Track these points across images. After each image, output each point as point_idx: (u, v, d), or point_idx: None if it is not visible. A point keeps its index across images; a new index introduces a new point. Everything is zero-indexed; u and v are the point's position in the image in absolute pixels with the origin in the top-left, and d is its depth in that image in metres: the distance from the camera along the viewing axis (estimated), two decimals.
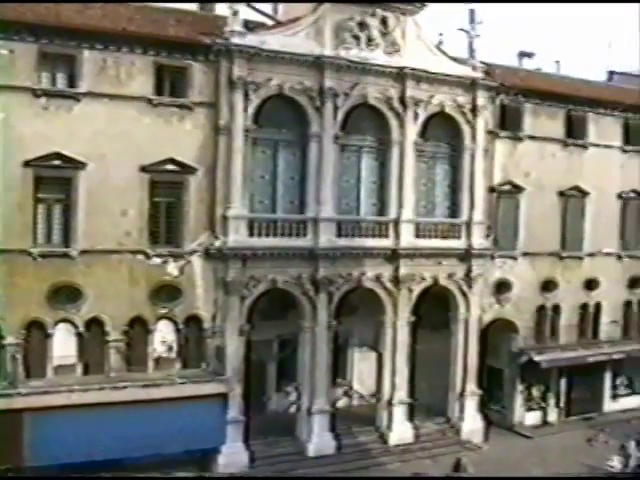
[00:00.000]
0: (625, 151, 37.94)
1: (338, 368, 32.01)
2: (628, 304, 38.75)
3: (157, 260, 26.87)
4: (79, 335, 25.97)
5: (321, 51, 28.86)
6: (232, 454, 27.76)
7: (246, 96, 27.57)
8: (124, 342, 26.39)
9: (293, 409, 30.91)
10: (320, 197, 29.30)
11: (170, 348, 27.34)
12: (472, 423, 32.96)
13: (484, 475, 28.75)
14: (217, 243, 27.47)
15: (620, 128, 37.79)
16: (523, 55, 41.93)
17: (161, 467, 26.40)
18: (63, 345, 25.69)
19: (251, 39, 27.47)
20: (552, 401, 36.54)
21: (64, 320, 25.70)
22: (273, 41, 27.97)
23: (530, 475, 29.69)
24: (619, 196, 37.80)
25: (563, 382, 36.83)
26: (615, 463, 30.18)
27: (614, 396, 38.87)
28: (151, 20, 26.76)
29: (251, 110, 27.78)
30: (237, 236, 27.67)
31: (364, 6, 29.66)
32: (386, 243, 30.82)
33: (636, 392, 39.75)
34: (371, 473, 29.11)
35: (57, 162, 25.08)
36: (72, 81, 25.52)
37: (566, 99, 35.86)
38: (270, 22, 31.93)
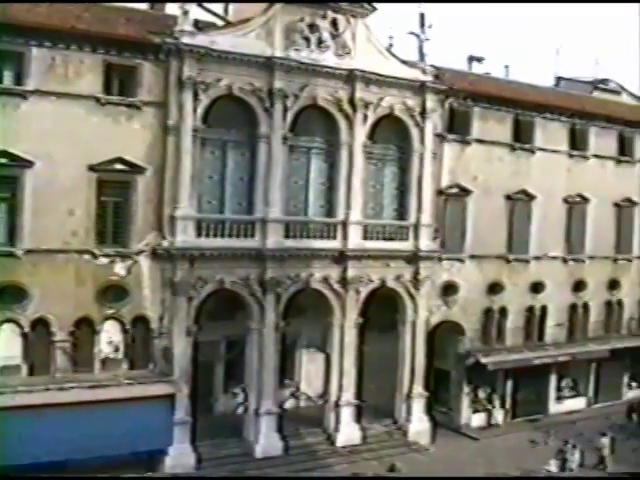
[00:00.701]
0: (571, 156, 40.25)
1: (286, 369, 33.29)
2: (573, 307, 41.09)
3: (104, 260, 27.84)
4: (24, 335, 26.78)
5: (271, 52, 30.14)
6: (179, 455, 28.81)
7: (195, 96, 28.72)
8: (70, 342, 27.25)
9: (240, 410, 31.96)
10: (268, 198, 30.57)
11: (117, 349, 28.28)
12: (419, 424, 34.57)
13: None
14: (165, 243, 28.57)
15: (567, 133, 40.07)
16: (473, 59, 44.00)
17: (107, 469, 27.11)
18: (8, 345, 26.41)
19: (201, 39, 28.63)
20: (498, 403, 38.49)
21: (9, 320, 26.49)
22: (223, 41, 29.14)
23: (476, 476, 31.35)
24: (565, 200, 40.05)
25: (509, 384, 38.82)
26: (552, 468, 31.86)
27: (559, 398, 41.13)
28: (101, 18, 27.67)
29: (200, 110, 28.93)
30: (185, 236, 28.78)
31: (315, 8, 31.05)
32: (334, 245, 32.20)
33: (580, 394, 42.12)
34: (318, 474, 30.36)
35: (3, 160, 25.84)
36: (20, 79, 26.33)
37: (514, 104, 37.84)
38: (220, 22, 33.09)
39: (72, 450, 26.01)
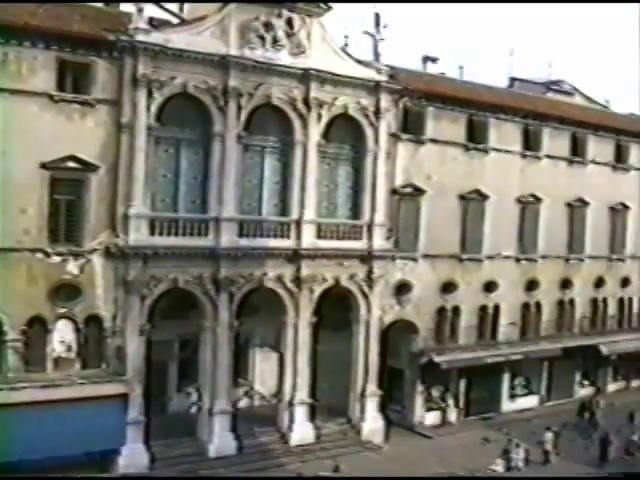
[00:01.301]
0: (524, 156, 42.01)
1: (239, 368, 34.32)
2: (526, 306, 42.87)
3: (57, 259, 28.56)
4: None
5: (226, 50, 31.13)
6: (132, 455, 29.63)
7: (149, 94, 29.61)
8: (22, 342, 27.90)
9: (194, 410, 32.94)
10: (222, 197, 31.55)
11: (69, 348, 29.01)
12: (373, 423, 35.88)
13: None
14: (118, 242, 29.38)
15: (520, 134, 41.79)
16: (427, 60, 45.54)
17: (59, 469, 27.71)
18: None
19: (156, 37, 29.51)
20: (451, 401, 40.04)
21: None
22: (178, 39, 30.08)
23: (431, 474, 32.50)
24: (518, 200, 41.78)
25: (462, 382, 40.40)
26: (498, 467, 33.14)
27: (512, 396, 42.93)
28: (54, 15, 28.27)
29: (154, 108, 29.83)
30: (138, 235, 29.65)
31: (270, 7, 32.12)
32: (288, 244, 33.29)
33: (533, 392, 43.96)
34: (271, 474, 31.41)
35: None
36: None
37: (468, 104, 39.42)
38: (176, 20, 33.92)
39: (24, 451, 26.48)
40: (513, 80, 52.80)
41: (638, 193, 48.36)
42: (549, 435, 35.44)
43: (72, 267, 28.86)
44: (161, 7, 34.32)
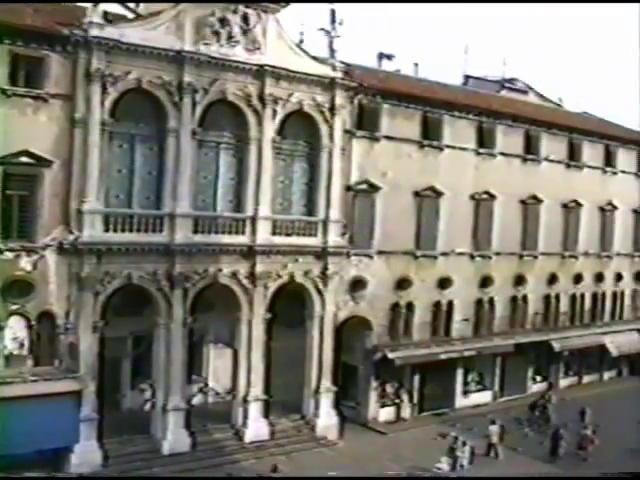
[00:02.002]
0: (479, 153, 43.27)
1: (193, 365, 34.92)
2: (479, 302, 44.20)
3: (9, 255, 28.87)
4: None
5: (181, 46, 31.67)
6: (85, 453, 30.10)
7: (104, 89, 30.07)
8: None
9: (148, 407, 33.49)
10: (177, 193, 32.12)
11: (22, 345, 29.34)
12: (327, 419, 36.76)
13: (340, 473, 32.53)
14: (71, 238, 29.82)
15: (474, 131, 43.04)
16: (383, 57, 46.60)
17: (11, 468, 28.00)
18: None
19: (110, 31, 29.95)
20: (405, 397, 41.10)
21: None
22: (133, 34, 30.55)
23: (386, 470, 33.36)
24: (472, 197, 43.03)
25: (416, 379, 41.49)
26: (443, 465, 34.02)
27: (465, 392, 44.23)
28: (7, 8, 28.46)
29: (108, 103, 30.29)
30: (92, 231, 30.12)
31: (226, 2, 32.68)
32: (242, 240, 33.97)
33: (486, 388, 45.33)
34: (226, 470, 31.88)
35: None
36: None
37: (423, 101, 40.50)
38: (131, 15, 34.35)
39: None
40: (467, 78, 54.24)
41: (591, 191, 50.03)
42: (494, 428, 36.59)
43: (25, 263, 29.18)
44: (116, 1, 34.57)
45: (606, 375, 53.37)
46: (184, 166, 32.23)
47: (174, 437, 32.43)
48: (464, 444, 34.70)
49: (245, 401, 34.69)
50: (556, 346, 47.35)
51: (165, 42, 31.33)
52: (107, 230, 30.57)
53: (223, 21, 32.82)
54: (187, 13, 31.92)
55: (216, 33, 32.65)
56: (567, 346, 48.20)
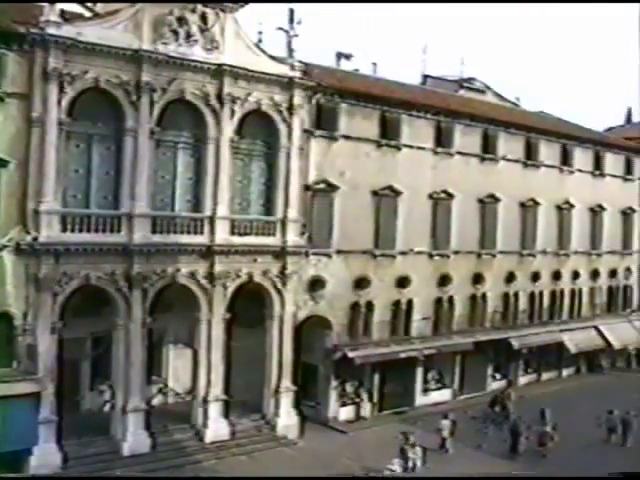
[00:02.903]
0: (437, 153, 44.42)
1: (153, 365, 35.43)
2: (438, 301, 45.33)
3: None
4: None
5: (139, 45, 32.21)
6: (44, 455, 30.39)
7: (61, 88, 30.46)
8: None
9: (107, 408, 33.98)
10: (135, 192, 32.60)
11: None
12: (287, 419, 37.47)
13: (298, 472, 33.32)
14: (29, 238, 30.14)
15: (432, 130, 44.17)
16: (341, 56, 47.55)
17: None
18: None
19: (67, 30, 30.36)
20: (365, 396, 42.00)
21: None
22: (90, 33, 31.01)
23: (346, 469, 34.09)
24: (430, 196, 44.12)
25: (376, 377, 42.42)
26: (395, 467, 34.39)
27: (425, 390, 45.26)
28: None
29: (65, 103, 30.69)
30: (49, 231, 30.47)
31: (184, 1, 33.33)
32: (201, 240, 34.55)
33: (446, 386, 46.45)
34: (186, 471, 32.51)
35: None
36: None
37: (381, 101, 41.51)
38: (88, 13, 34.67)
39: None
40: (426, 77, 55.44)
41: (548, 189, 51.48)
42: (445, 422, 37.75)
43: None
44: (76, 0, 34.93)
45: (565, 372, 54.96)
46: (142, 166, 32.68)
47: (134, 438, 32.86)
48: (414, 445, 35.20)
49: (205, 401, 35.20)
50: (515, 344, 48.65)
51: (123, 41, 31.81)
52: (64, 230, 30.89)
53: (181, 20, 33.41)
54: (145, 12, 32.44)
55: (174, 32, 33.22)
56: (526, 344, 49.59)
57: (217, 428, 35.28)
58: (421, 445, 35.49)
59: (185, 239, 34.11)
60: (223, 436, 35.36)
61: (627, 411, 40.59)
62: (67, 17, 31.19)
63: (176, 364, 37.80)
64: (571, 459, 35.99)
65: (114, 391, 33.41)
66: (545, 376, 53.40)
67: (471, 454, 36.87)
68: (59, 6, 30.43)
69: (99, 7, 34.66)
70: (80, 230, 31.31)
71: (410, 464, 34.56)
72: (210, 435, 35.02)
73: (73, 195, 31.95)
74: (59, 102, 30.48)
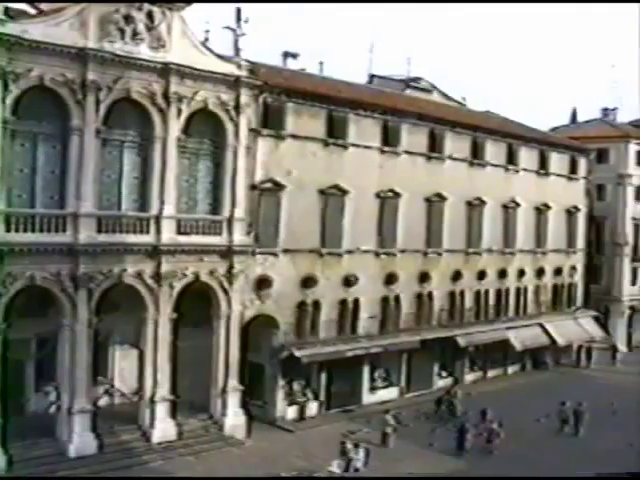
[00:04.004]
0: (383, 152, 45.55)
1: (99, 366, 35.69)
2: (385, 299, 46.51)
3: None
4: None
5: (84, 43, 32.57)
6: None
7: (5, 86, 30.64)
8: None
9: (53, 409, 34.28)
10: (81, 192, 32.98)
11: None
12: (234, 419, 38.18)
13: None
14: None
15: (379, 129, 45.31)
16: (288, 55, 48.36)
17: None
18: None
19: (11, 27, 30.50)
20: (313, 395, 43.06)
21: None
22: (35, 31, 31.27)
23: (293, 469, 34.87)
24: (377, 195, 45.23)
25: (323, 376, 43.43)
26: (334, 468, 34.62)
27: (372, 388, 46.43)
28: None
29: (10, 101, 30.86)
30: None
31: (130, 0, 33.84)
32: (147, 239, 35.06)
33: (393, 384, 47.67)
34: (134, 472, 33.00)
35: None
36: None
37: (328, 100, 42.51)
38: (33, 11, 34.87)
39: None
40: (372, 77, 56.59)
41: (494, 188, 53.00)
42: (387, 418, 39.00)
43: None
44: None
45: (510, 369, 56.70)
46: (88, 165, 33.05)
47: (80, 440, 33.23)
48: (357, 446, 35.95)
49: (152, 402, 35.69)
50: (461, 342, 50.10)
51: (68, 39, 32.14)
52: (9, 230, 31.13)
53: (128, 18, 33.87)
54: (91, 10, 32.79)
55: (120, 30, 33.67)
56: (472, 341, 51.12)
57: (164, 428, 35.80)
58: (365, 445, 36.45)
59: (131, 239, 34.55)
60: (170, 436, 35.90)
61: (579, 403, 42.87)
62: (11, 15, 31.32)
63: (122, 365, 38.16)
64: (518, 454, 37.46)
65: (60, 392, 33.68)
66: (491, 373, 55.01)
67: (418, 452, 37.91)
68: (3, 3, 30.60)
69: (44, 5, 34.89)
70: (25, 230, 31.59)
71: (352, 466, 35.13)
72: (157, 436, 35.52)
73: (18, 195, 32.15)
74: (3, 100, 30.62)
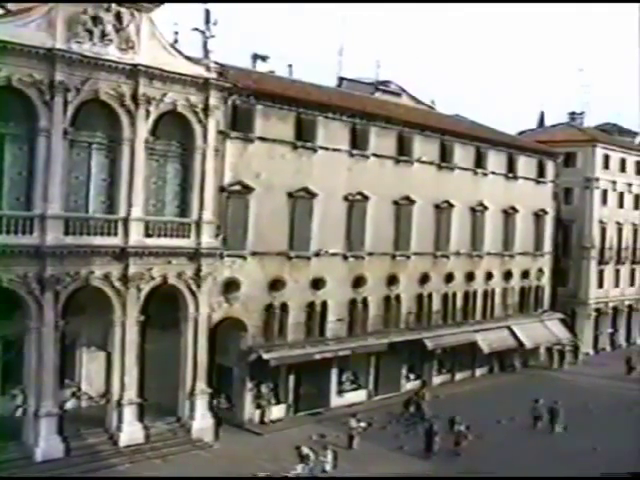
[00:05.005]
0: (352, 155, 46.08)
1: (66, 369, 35.93)
2: (353, 302, 47.03)
3: None
4: None
5: (52, 44, 32.74)
6: None
7: None
8: None
9: (19, 413, 34.37)
10: (48, 194, 33.13)
11: None
12: (202, 422, 38.48)
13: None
14: None
15: (348, 132, 45.85)
16: (257, 58, 48.76)
17: None
18: None
19: None
20: (281, 398, 43.42)
21: None
22: (2, 31, 31.25)
23: (260, 472, 35.20)
24: (345, 198, 45.77)
25: (291, 379, 43.83)
26: (299, 470, 34.78)
27: (340, 391, 46.94)
28: None
29: None
30: None
31: (98, 1, 34.03)
32: (115, 241, 35.25)
33: (361, 387, 48.20)
34: (101, 475, 33.21)
35: None
36: None
37: (297, 102, 42.94)
38: (0, 11, 34.81)
39: None
40: (342, 80, 57.18)
41: (462, 192, 53.76)
42: (352, 422, 39.59)
43: None
44: None
45: (478, 372, 57.54)
46: (55, 167, 33.23)
47: (47, 443, 33.36)
48: (325, 448, 36.51)
49: (119, 405, 35.88)
50: (429, 344, 50.77)
51: (36, 39, 32.29)
52: None
53: (96, 19, 34.08)
54: (59, 10, 32.98)
55: (89, 31, 33.88)
56: (440, 344, 51.76)
57: (131, 432, 36.00)
58: (332, 448, 36.89)
59: (99, 241, 34.73)
60: (137, 440, 36.12)
61: (555, 401, 44.27)
62: None
63: (90, 367, 38.40)
64: (483, 457, 38.10)
65: (26, 395, 33.79)
66: (459, 376, 55.75)
67: (386, 454, 38.43)
68: None
69: (12, 5, 34.96)
70: None
71: (318, 469, 35.42)
72: (124, 439, 35.71)
73: None
74: None
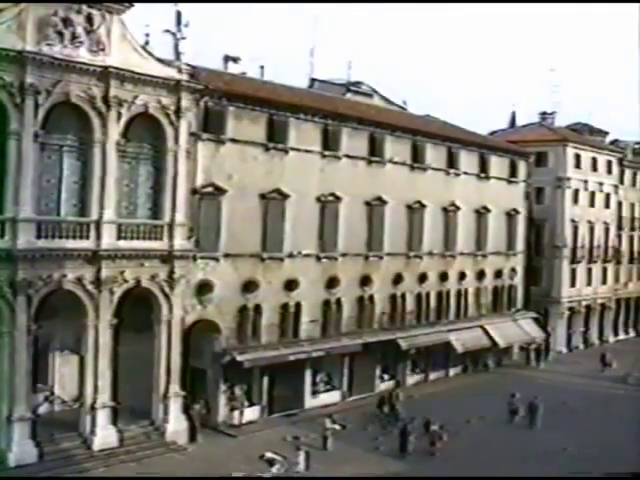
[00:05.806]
0: (324, 156, 46.50)
1: (39, 373, 35.93)
2: (327, 303, 47.44)
3: None
4: None
5: (22, 46, 32.80)
6: None
7: None
8: None
9: None
10: (19, 197, 33.18)
11: None
12: (176, 424, 38.66)
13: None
14: None
15: (320, 133, 46.24)
16: (229, 59, 49.01)
17: None
18: None
19: None
20: (255, 399, 43.67)
21: None
22: None
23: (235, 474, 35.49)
24: (318, 199, 46.16)
25: (265, 380, 44.10)
26: (274, 471, 35.55)
27: (314, 392, 47.28)
28: None
29: None
30: None
31: (69, 2, 34.13)
32: (87, 244, 35.37)
33: (335, 388, 48.60)
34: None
35: None
36: None
37: (269, 104, 43.27)
38: None
39: None
40: (313, 81, 57.50)
41: (434, 192, 54.32)
42: (327, 422, 40.01)
43: None
44: None
45: (452, 371, 58.13)
46: (26, 170, 33.28)
47: (20, 448, 33.37)
48: (298, 449, 36.96)
49: (93, 408, 35.95)
50: (403, 345, 51.24)
51: (6, 42, 32.33)
52: None
53: (66, 21, 34.23)
54: (29, 12, 33.06)
55: (59, 33, 34.00)
56: (414, 344, 52.25)
57: (105, 435, 36.10)
58: (305, 449, 37.23)
59: (71, 244, 34.82)
60: (111, 443, 36.21)
61: (535, 396, 45.21)
62: None
63: (63, 371, 38.44)
64: (457, 457, 38.61)
65: None
66: (433, 376, 56.33)
67: (360, 455, 38.77)
68: None
69: None
70: None
71: (292, 469, 35.85)
72: (98, 443, 35.82)
73: None
74: None
